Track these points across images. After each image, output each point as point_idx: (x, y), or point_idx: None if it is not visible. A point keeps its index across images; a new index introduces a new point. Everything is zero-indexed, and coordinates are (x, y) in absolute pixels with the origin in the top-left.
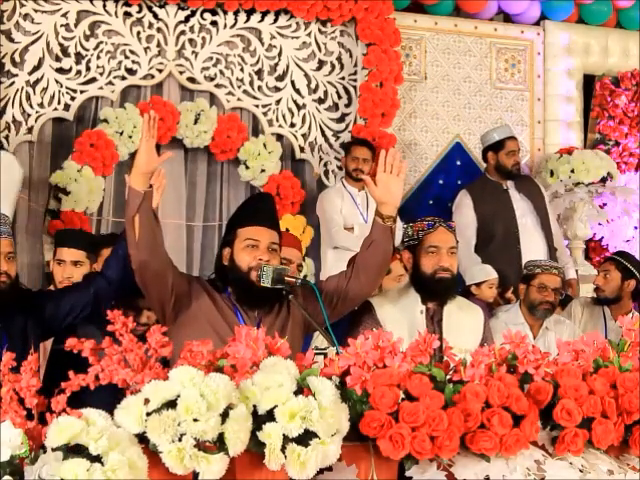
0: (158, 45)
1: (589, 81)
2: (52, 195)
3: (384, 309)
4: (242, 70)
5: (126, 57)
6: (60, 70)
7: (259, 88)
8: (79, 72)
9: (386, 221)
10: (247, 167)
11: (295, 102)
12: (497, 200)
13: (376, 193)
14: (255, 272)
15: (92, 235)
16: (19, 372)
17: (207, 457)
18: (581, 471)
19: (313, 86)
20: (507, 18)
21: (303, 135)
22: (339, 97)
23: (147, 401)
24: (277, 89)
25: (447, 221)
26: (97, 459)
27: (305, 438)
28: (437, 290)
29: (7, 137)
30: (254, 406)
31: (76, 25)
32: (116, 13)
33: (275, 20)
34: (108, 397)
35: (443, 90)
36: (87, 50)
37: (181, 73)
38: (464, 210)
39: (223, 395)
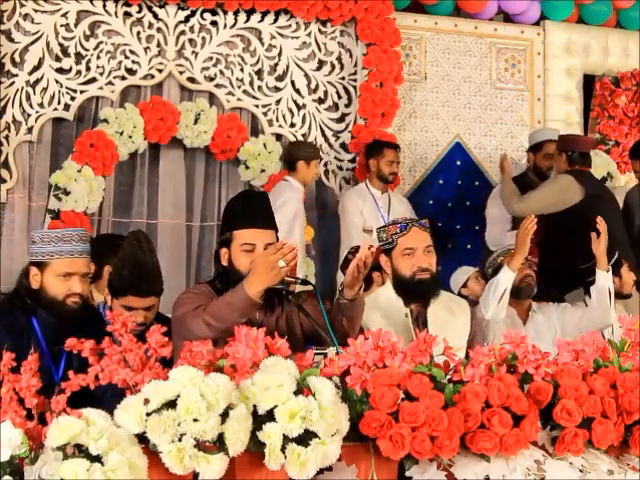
0: (158, 45)
1: (589, 81)
2: (52, 195)
3: (367, 314)
4: (242, 70)
5: (126, 57)
6: (60, 70)
7: (259, 88)
8: (79, 72)
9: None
10: (247, 167)
11: (295, 102)
12: None
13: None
14: None
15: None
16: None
17: (207, 457)
18: (581, 471)
19: (313, 86)
20: (507, 18)
21: (303, 135)
22: (339, 97)
23: (147, 401)
24: (277, 89)
25: (420, 220)
26: (97, 459)
27: (305, 438)
28: (418, 291)
29: (7, 137)
30: (254, 406)
31: (76, 25)
32: (116, 13)
33: (275, 20)
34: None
35: (443, 90)
36: (87, 50)
37: (181, 73)
38: (495, 201)
39: (223, 395)
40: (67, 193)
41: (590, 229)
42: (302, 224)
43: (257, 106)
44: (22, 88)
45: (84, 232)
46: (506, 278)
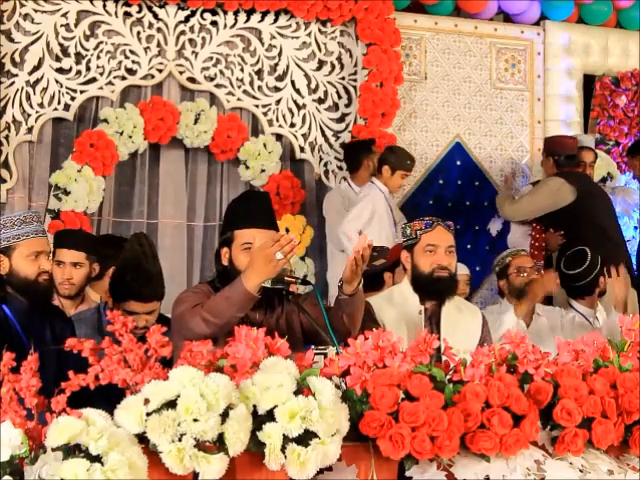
0: (158, 45)
1: (589, 81)
2: (52, 195)
3: (382, 309)
4: (242, 70)
5: (126, 57)
6: (60, 70)
7: (259, 88)
8: (79, 72)
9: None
10: (247, 167)
11: (295, 102)
12: None
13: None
14: None
15: (92, 236)
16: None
17: (207, 457)
18: (581, 471)
19: (313, 86)
20: (507, 18)
21: (303, 135)
22: (339, 97)
23: (147, 401)
24: (277, 89)
25: (445, 220)
26: (97, 459)
27: (305, 438)
28: (435, 289)
29: (7, 137)
30: (254, 406)
31: (76, 25)
32: (116, 13)
33: (275, 20)
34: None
35: (443, 90)
36: (87, 50)
37: (181, 73)
38: None
39: (223, 395)
40: (67, 193)
41: (582, 230)
42: (382, 226)
43: (257, 106)
44: (22, 88)
45: (39, 213)
46: (510, 321)
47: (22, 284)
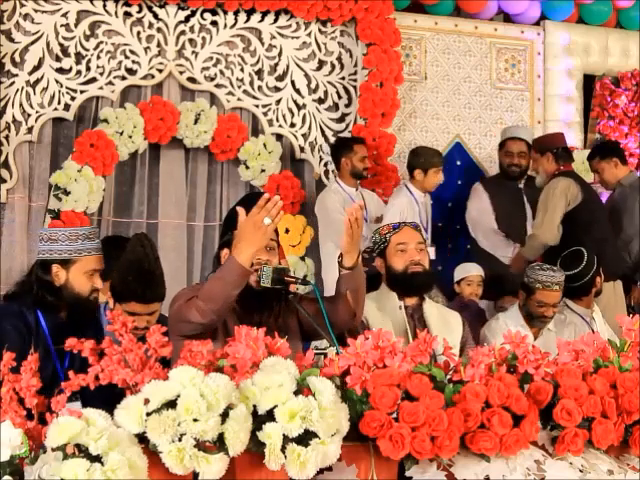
0: (158, 45)
1: (589, 81)
2: (52, 195)
3: (368, 308)
4: (242, 70)
5: (126, 57)
6: (60, 70)
7: (259, 88)
8: (79, 72)
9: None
10: (247, 167)
11: (295, 102)
12: (509, 197)
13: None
14: (253, 276)
15: None
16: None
17: (207, 457)
18: (581, 471)
19: (313, 86)
20: (507, 18)
21: (303, 135)
22: (339, 97)
23: (147, 401)
24: (277, 89)
25: (412, 222)
26: (97, 459)
27: (305, 438)
28: (412, 284)
29: (7, 137)
30: (254, 406)
31: (76, 25)
32: (116, 13)
33: (275, 20)
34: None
35: (443, 90)
36: (87, 50)
37: (181, 73)
38: (480, 196)
39: (223, 395)
40: (67, 193)
41: (580, 234)
42: None
43: (257, 106)
44: (22, 88)
45: (98, 230)
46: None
47: (74, 299)
